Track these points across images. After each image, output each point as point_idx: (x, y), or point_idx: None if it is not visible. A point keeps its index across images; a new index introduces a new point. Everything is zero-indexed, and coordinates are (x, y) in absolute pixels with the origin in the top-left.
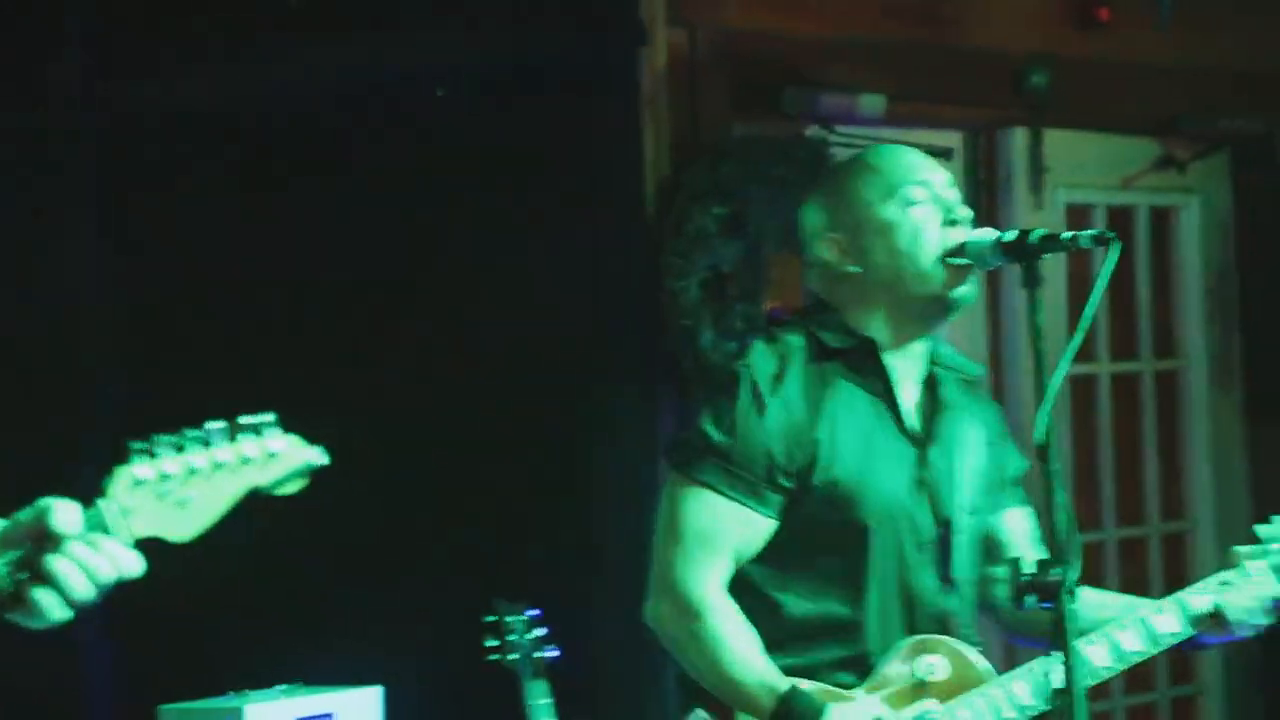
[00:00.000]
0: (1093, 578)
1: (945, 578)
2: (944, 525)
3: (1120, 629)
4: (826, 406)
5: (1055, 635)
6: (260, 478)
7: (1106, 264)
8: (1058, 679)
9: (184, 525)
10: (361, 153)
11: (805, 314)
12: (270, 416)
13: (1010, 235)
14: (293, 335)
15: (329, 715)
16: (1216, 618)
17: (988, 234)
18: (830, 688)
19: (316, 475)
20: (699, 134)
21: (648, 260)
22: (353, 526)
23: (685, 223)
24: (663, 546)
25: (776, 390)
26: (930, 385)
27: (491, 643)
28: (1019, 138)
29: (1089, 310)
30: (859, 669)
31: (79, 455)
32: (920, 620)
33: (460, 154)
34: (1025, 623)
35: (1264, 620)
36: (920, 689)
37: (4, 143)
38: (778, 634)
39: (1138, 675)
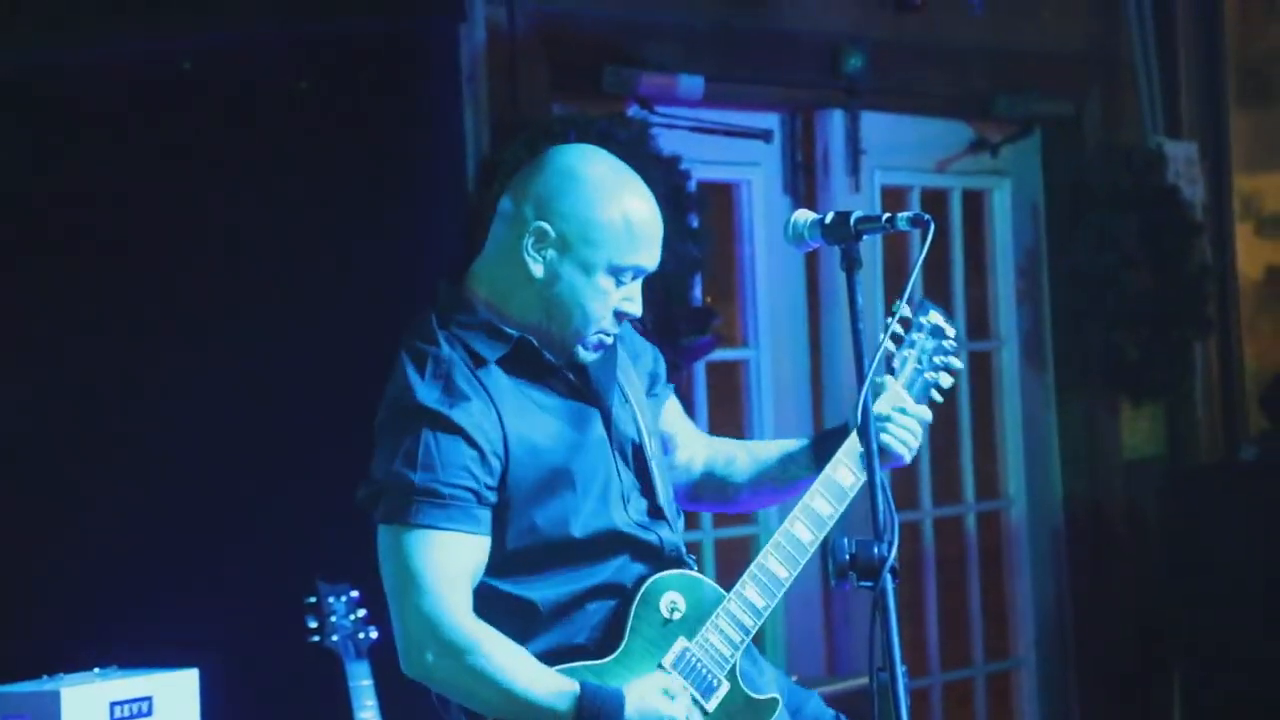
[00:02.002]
0: (911, 557)
1: (655, 511)
2: (641, 466)
3: (811, 497)
4: (503, 409)
5: (875, 613)
6: None
7: (924, 245)
8: (775, 568)
9: None
10: (177, 134)
11: (446, 317)
12: None
13: (829, 217)
14: (101, 318)
15: (147, 698)
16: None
17: (806, 215)
18: (599, 664)
19: (137, 456)
20: (519, 113)
21: (470, 240)
22: (171, 507)
23: None
24: (406, 599)
25: (453, 409)
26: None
27: (313, 624)
28: (836, 120)
29: (906, 290)
30: (618, 631)
31: None
32: (659, 556)
33: (279, 133)
34: (702, 488)
35: (919, 430)
36: (670, 630)
37: None
38: (537, 627)
39: (955, 653)
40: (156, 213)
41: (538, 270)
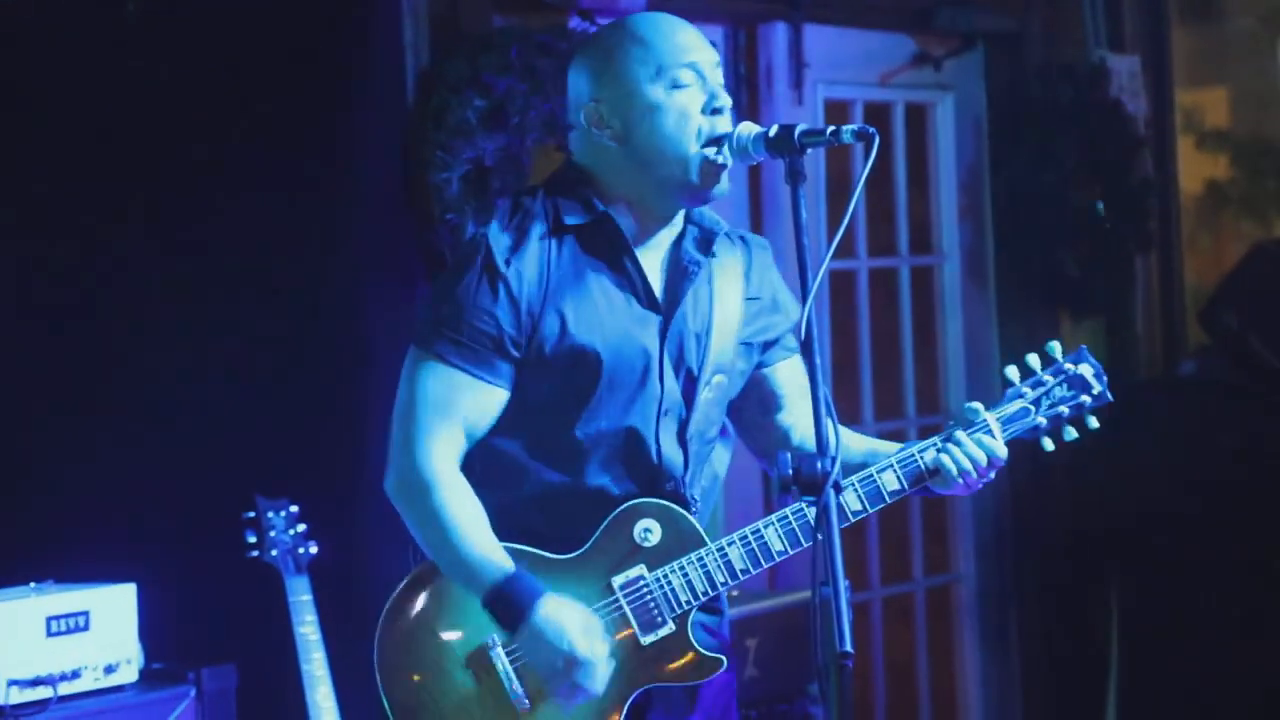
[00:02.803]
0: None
1: (681, 438)
2: (689, 387)
3: (851, 489)
4: (564, 278)
5: (817, 528)
6: None
7: (868, 159)
8: (771, 539)
9: None
10: (111, 50)
11: (552, 182)
12: None
13: (774, 130)
14: (54, 238)
15: (84, 613)
16: (937, 474)
17: (751, 129)
18: (552, 556)
19: (77, 370)
20: (459, 26)
21: (407, 153)
22: (110, 421)
23: (445, 115)
24: (398, 420)
25: (511, 260)
26: (678, 245)
27: (251, 538)
28: (780, 33)
29: (851, 203)
30: (584, 536)
31: None
32: (659, 483)
33: (216, 50)
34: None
35: (977, 478)
36: (634, 554)
37: None
38: (528, 503)
39: (895, 567)
40: (104, 134)
41: (613, 139)
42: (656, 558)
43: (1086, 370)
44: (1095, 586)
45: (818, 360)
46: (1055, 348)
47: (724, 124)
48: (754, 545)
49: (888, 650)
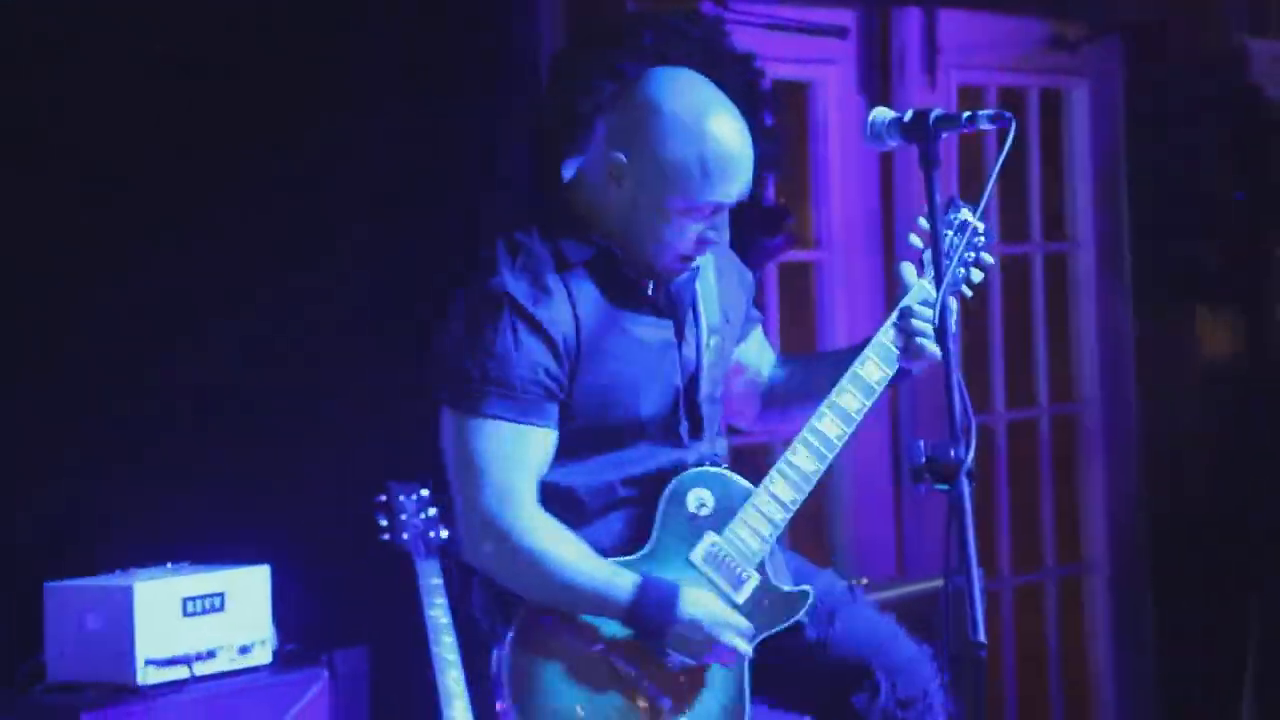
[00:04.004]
0: (983, 461)
1: (695, 430)
2: (692, 389)
3: (838, 393)
4: (581, 311)
5: (951, 516)
6: None
7: (1004, 145)
8: (803, 462)
9: None
10: (247, 32)
11: (546, 221)
12: None
13: (908, 115)
14: (170, 218)
15: (219, 594)
16: (908, 346)
17: (885, 114)
18: (634, 559)
19: (212, 355)
20: (594, 9)
21: (540, 138)
22: (245, 404)
23: (578, 100)
24: (469, 486)
25: (536, 304)
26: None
27: (383, 522)
28: (913, 17)
29: (987, 189)
30: (646, 529)
31: None
32: (689, 456)
33: (353, 30)
34: (767, 402)
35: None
36: (698, 526)
37: None
38: (574, 520)
39: (1026, 556)
40: (233, 109)
41: (617, 196)
42: (719, 520)
43: (966, 213)
44: (1234, 579)
45: (952, 346)
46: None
47: (702, 251)
48: (791, 474)
49: (1018, 641)
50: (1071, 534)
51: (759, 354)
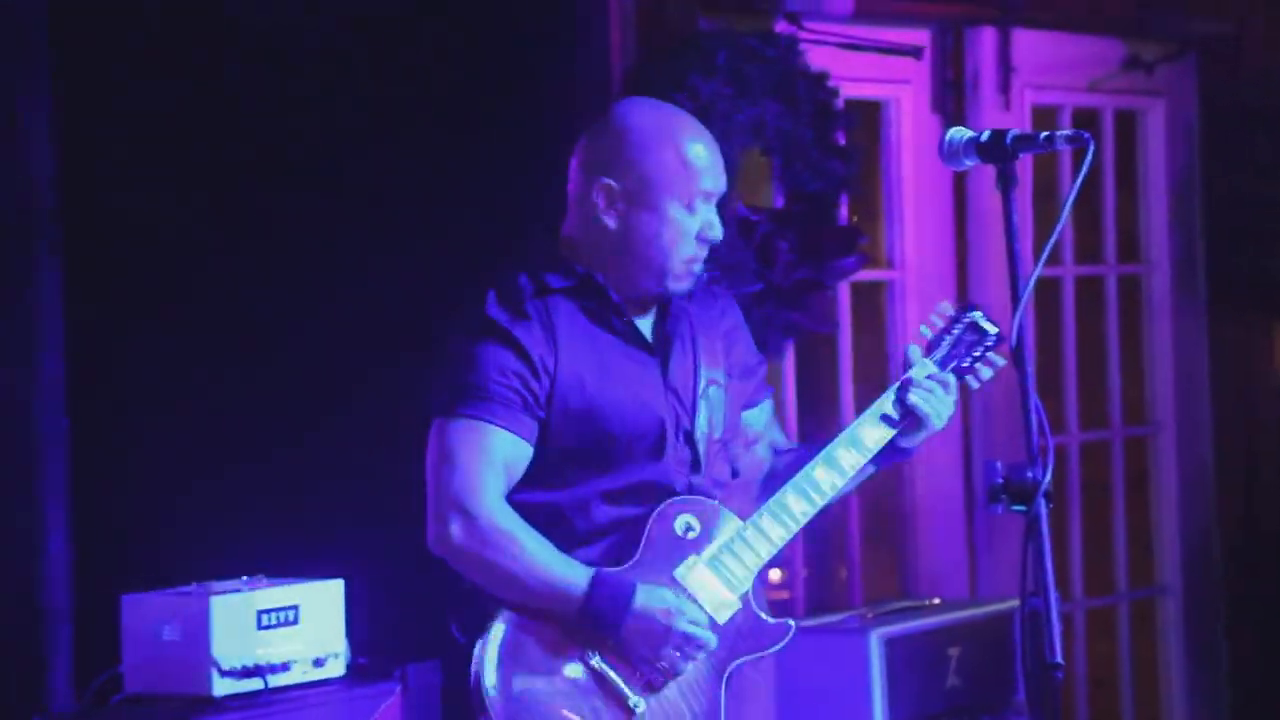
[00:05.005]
0: (1056, 482)
1: (695, 465)
2: (690, 421)
3: (835, 445)
4: (561, 338)
5: (1028, 538)
6: None
7: (1082, 165)
8: (793, 503)
9: None
10: (327, 44)
11: (530, 259)
12: None
13: (985, 135)
14: (259, 223)
15: (293, 607)
16: (905, 417)
17: (962, 133)
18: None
19: (288, 370)
20: (666, 27)
21: None
22: (322, 420)
23: None
24: (439, 476)
25: (515, 324)
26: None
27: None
28: (987, 37)
29: (1065, 209)
30: (632, 546)
31: None
32: (678, 483)
33: (425, 46)
34: (766, 484)
35: (947, 398)
36: (683, 547)
37: None
38: (563, 540)
39: (1099, 579)
40: (309, 119)
41: (613, 224)
42: (705, 545)
43: (977, 316)
44: None
45: (1028, 368)
46: (946, 305)
47: (704, 252)
48: (780, 513)
49: (1091, 664)
50: (1144, 557)
51: (768, 428)
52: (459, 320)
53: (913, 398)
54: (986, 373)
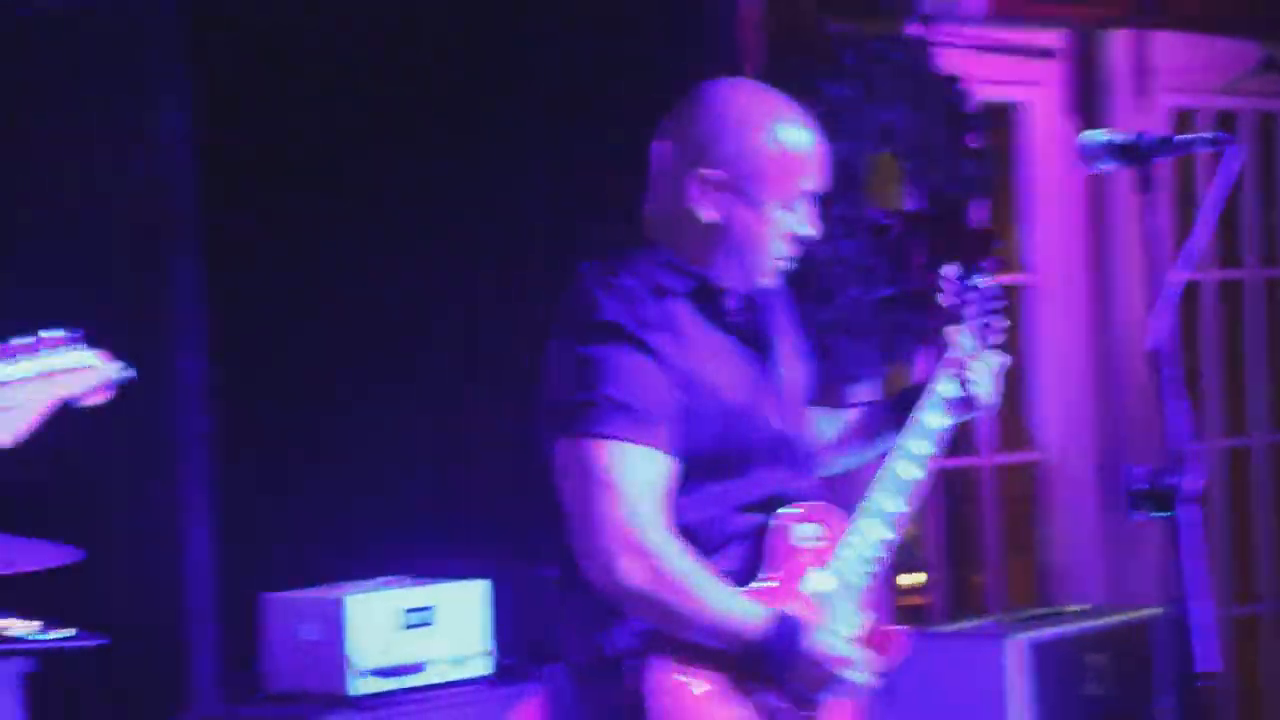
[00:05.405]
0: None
1: (805, 467)
2: (796, 421)
3: (906, 438)
4: (684, 343)
5: (1173, 543)
6: (71, 389)
7: (1226, 167)
8: (886, 501)
9: (3, 432)
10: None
11: (624, 253)
12: (77, 332)
13: (1124, 137)
14: (390, 227)
15: (429, 608)
16: (962, 399)
17: (1100, 135)
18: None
19: (431, 370)
20: (794, 30)
21: None
22: (463, 422)
23: None
24: (597, 508)
25: (643, 331)
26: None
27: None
28: (1124, 39)
29: (1209, 214)
30: (754, 565)
31: None
32: (790, 479)
33: (551, 44)
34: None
35: (989, 373)
36: (804, 558)
37: None
38: (712, 553)
39: (1240, 587)
40: (439, 124)
41: (710, 215)
42: (825, 555)
43: (977, 281)
44: None
45: (1171, 372)
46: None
47: (796, 249)
48: (876, 512)
49: (1234, 674)
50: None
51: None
52: (572, 325)
53: (967, 378)
54: (998, 337)
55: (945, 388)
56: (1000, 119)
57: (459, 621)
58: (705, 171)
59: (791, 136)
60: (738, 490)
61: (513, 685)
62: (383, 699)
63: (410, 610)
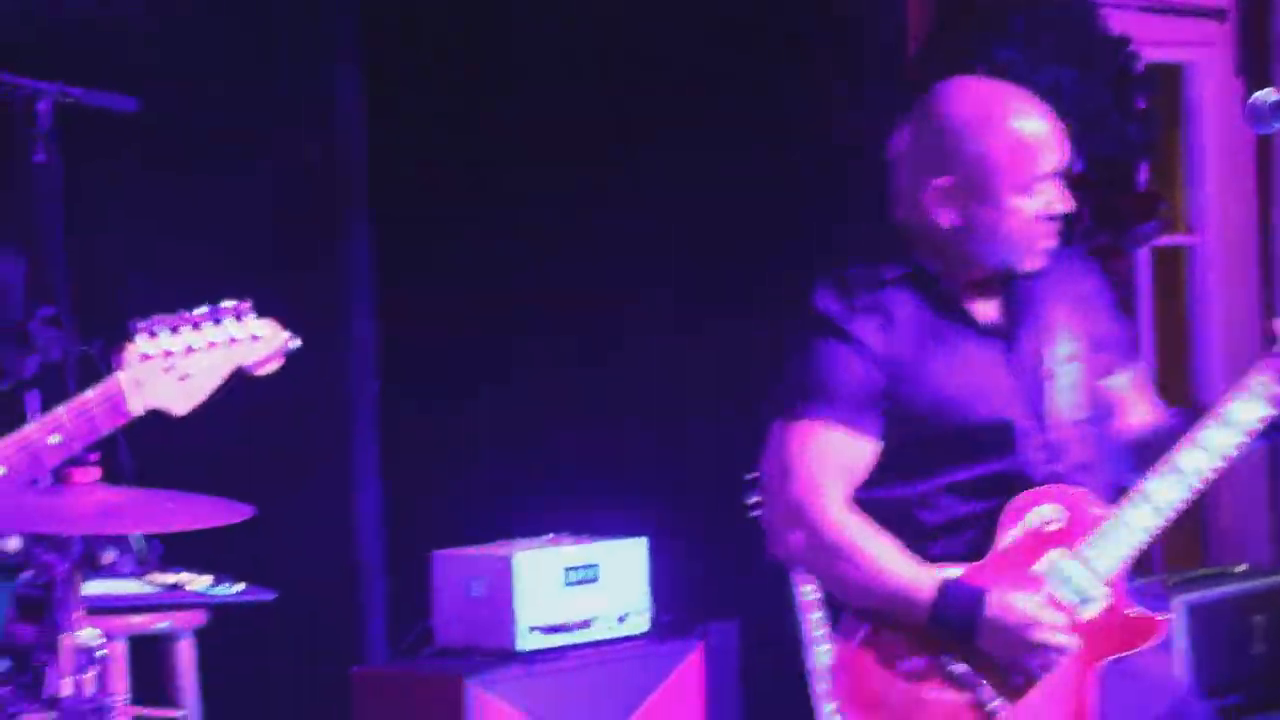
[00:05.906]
0: None
1: (1054, 452)
2: (1045, 405)
3: (1207, 429)
4: (900, 329)
5: None
6: (246, 357)
7: None
8: (1167, 491)
9: (184, 399)
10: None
11: (859, 244)
12: (249, 302)
13: None
14: (558, 198)
15: (594, 565)
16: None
17: (1271, 96)
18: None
19: (593, 334)
20: None
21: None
22: (626, 383)
23: None
24: (781, 484)
25: (850, 321)
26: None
27: (754, 499)
28: None
29: None
30: (987, 540)
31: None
32: (1036, 471)
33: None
34: (1138, 457)
35: None
36: (1043, 541)
37: None
38: (913, 537)
39: None
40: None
41: (949, 220)
42: (1067, 538)
43: None
44: None
45: None
46: None
47: (1054, 228)
48: (1154, 501)
49: None
50: None
51: (1135, 398)
52: (795, 318)
53: None
54: None
55: (1264, 378)
56: (1169, 80)
57: (621, 578)
58: (936, 181)
59: (1018, 122)
60: (959, 474)
61: (674, 641)
62: (550, 654)
63: (577, 567)
